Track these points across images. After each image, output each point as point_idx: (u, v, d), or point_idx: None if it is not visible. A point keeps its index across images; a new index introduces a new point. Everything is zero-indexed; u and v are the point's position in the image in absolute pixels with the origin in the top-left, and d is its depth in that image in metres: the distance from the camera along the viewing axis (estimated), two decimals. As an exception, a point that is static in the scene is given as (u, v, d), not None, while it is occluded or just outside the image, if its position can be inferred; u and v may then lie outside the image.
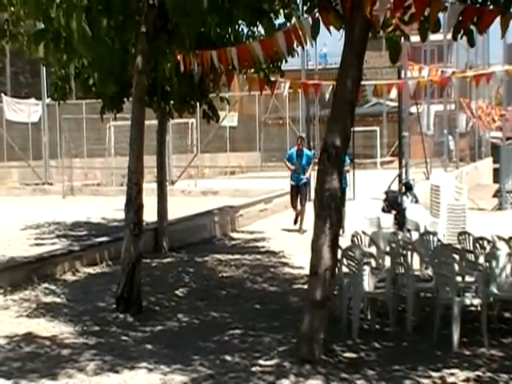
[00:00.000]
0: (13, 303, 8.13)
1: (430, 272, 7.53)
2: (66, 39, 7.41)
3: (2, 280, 8.85)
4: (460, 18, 5.61)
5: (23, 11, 8.01)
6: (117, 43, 7.59)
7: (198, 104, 11.31)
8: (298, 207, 13.89)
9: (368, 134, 30.67)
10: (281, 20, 8.23)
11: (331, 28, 6.38)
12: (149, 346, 6.53)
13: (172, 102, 10.91)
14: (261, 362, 5.97)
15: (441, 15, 5.93)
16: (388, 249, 8.03)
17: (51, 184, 24.42)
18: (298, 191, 13.94)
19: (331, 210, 5.92)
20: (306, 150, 14.28)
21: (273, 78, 10.15)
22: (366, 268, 7.00)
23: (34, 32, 8.30)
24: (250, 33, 9.61)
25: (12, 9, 8.28)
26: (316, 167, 9.13)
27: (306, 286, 6.80)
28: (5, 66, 28.72)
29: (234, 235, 13.60)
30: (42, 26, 8.10)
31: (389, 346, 6.50)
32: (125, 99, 10.37)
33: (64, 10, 6.66)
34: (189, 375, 5.69)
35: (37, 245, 12.21)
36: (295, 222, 13.97)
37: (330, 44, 33.88)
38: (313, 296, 5.98)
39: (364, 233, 8.31)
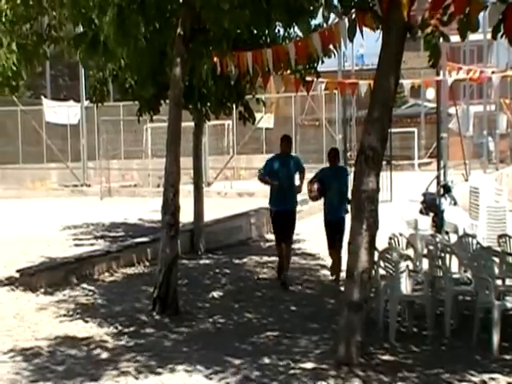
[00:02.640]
0: (52, 304, 8.24)
1: (468, 275, 7.40)
2: (103, 42, 7.50)
3: (42, 280, 8.98)
4: (500, 17, 5.50)
5: (63, 15, 8.12)
6: (154, 46, 7.65)
7: (234, 106, 11.33)
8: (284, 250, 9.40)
9: (405, 136, 30.38)
10: (317, 21, 8.22)
11: (368, 29, 6.34)
12: (185, 348, 6.55)
13: (208, 103, 10.94)
14: (298, 364, 5.95)
15: (480, 14, 5.83)
16: (426, 251, 7.93)
17: (89, 185, 24.74)
18: (285, 221, 9.31)
19: (368, 212, 5.87)
20: (293, 155, 9.91)
21: (309, 79, 10.10)
22: (404, 270, 6.92)
23: (73, 36, 8.43)
24: (286, 34, 9.59)
25: (53, 13, 8.40)
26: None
27: (342, 288, 6.76)
28: (45, 70, 29.19)
29: (270, 237, 13.57)
30: (81, 29, 8.22)
31: (427, 349, 6.41)
32: (162, 101, 10.45)
33: (99, 10, 6.74)
34: (225, 377, 5.69)
35: (75, 245, 12.38)
36: (279, 274, 9.41)
37: (367, 45, 33.63)
38: (349, 298, 5.94)
39: (401, 235, 8.22)
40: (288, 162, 9.40)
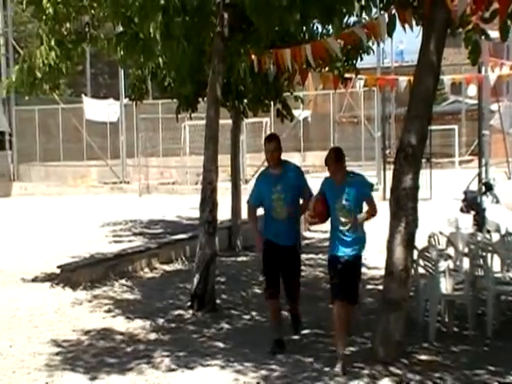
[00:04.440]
0: (91, 299, 8.35)
1: (511, 275, 7.27)
2: (143, 41, 7.55)
3: (82, 276, 9.10)
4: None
5: (103, 14, 8.20)
6: (192, 44, 7.67)
7: (272, 103, 11.31)
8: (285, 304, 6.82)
9: (446, 133, 29.97)
10: (354, 18, 8.15)
11: (408, 25, 6.26)
12: (222, 344, 6.57)
13: (246, 101, 10.95)
14: (333, 363, 5.91)
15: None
16: (466, 250, 7.80)
17: (128, 182, 25.00)
18: (280, 259, 6.37)
19: (407, 210, 5.80)
20: (291, 165, 6.69)
21: (348, 76, 10.03)
22: (444, 269, 6.82)
23: (113, 35, 8.51)
24: (324, 30, 9.53)
25: (92, 12, 8.49)
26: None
27: (380, 287, 6.69)
28: (85, 68, 29.58)
29: (308, 234, 13.52)
30: (121, 28, 8.29)
31: (467, 349, 6.31)
32: (200, 99, 10.49)
33: (141, 11, 6.79)
34: (261, 373, 5.69)
35: (114, 242, 12.52)
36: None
37: (407, 41, 33.26)
38: (388, 297, 5.88)
39: (441, 233, 8.11)
40: (282, 179, 6.30)
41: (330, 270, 6.09)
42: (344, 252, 5.88)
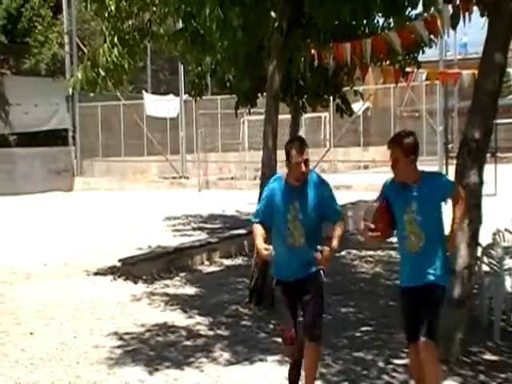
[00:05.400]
0: (151, 293, 8.47)
1: None
2: (202, 37, 7.60)
3: (143, 270, 9.25)
4: None
5: (164, 10, 8.29)
6: (252, 39, 7.68)
7: (331, 98, 11.21)
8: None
9: None
10: (417, 10, 8.00)
11: (472, 17, 6.12)
12: (280, 339, 6.55)
13: (305, 96, 10.88)
14: (393, 360, 5.83)
15: None
16: (533, 248, 7.57)
17: (187, 178, 25.28)
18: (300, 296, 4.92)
19: (471, 206, 5.66)
20: (314, 174, 4.94)
21: (409, 70, 9.85)
22: (509, 267, 6.64)
23: (173, 31, 8.60)
24: (385, 24, 9.39)
25: (154, 8, 8.60)
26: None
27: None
28: (146, 64, 30.01)
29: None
30: (181, 25, 8.37)
31: (533, 350, 6.13)
32: (259, 94, 10.48)
33: (199, 5, 6.84)
34: (320, 370, 5.64)
35: (174, 236, 12.68)
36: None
37: (471, 33, 32.50)
38: (451, 295, 5.75)
39: (507, 230, 7.89)
40: (303, 194, 4.82)
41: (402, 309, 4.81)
42: (417, 279, 4.57)
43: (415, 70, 10.15)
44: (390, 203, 4.61)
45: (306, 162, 4.84)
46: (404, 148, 4.46)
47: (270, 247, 4.75)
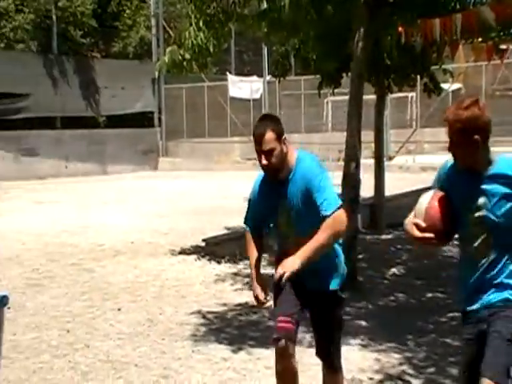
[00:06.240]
0: (234, 272, 8.55)
1: None
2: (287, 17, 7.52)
3: (226, 250, 9.34)
4: None
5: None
6: (338, 18, 7.55)
7: (418, 77, 10.92)
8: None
9: None
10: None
11: None
12: (364, 323, 6.49)
13: (392, 76, 10.64)
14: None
15: None
16: None
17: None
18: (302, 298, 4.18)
19: None
20: (302, 164, 3.85)
21: (503, 46, 9.44)
22: None
23: (257, 12, 8.56)
24: (477, -1, 9.03)
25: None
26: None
27: None
28: (230, 46, 30.14)
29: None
30: (265, 5, 8.32)
31: None
32: (343, 74, 10.33)
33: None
34: (405, 354, 5.55)
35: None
36: None
37: None
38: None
39: None
40: (289, 193, 3.90)
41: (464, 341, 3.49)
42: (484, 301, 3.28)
43: (510, 47, 9.71)
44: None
45: (269, 152, 3.75)
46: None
47: (268, 297, 4.11)
